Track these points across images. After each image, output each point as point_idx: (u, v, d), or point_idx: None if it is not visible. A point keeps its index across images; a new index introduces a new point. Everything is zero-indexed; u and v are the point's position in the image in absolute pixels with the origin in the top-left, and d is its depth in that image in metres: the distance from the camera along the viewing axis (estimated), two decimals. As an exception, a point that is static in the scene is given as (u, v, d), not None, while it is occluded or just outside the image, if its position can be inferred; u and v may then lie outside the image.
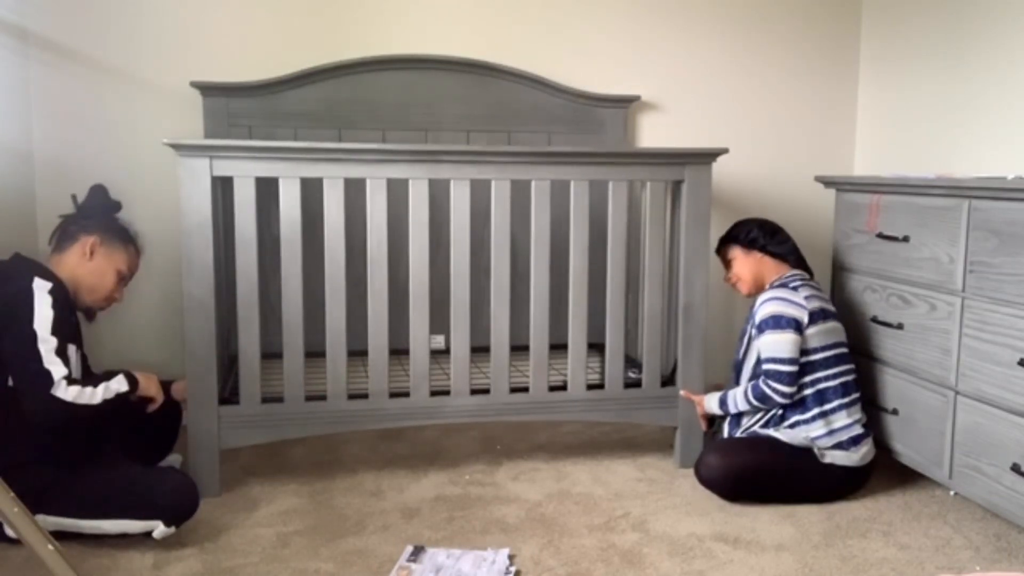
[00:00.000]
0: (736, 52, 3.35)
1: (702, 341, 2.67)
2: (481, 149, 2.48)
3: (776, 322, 2.46)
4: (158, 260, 2.92)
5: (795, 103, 3.43)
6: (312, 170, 2.39)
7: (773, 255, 2.64)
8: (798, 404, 2.48)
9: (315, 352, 2.63)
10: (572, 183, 2.55)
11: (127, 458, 2.28)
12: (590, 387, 2.65)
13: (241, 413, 2.43)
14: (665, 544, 2.19)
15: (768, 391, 2.45)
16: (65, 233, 2.31)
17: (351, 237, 2.67)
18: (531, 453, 2.85)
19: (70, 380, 2.09)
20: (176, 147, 2.30)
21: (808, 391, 2.47)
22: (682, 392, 2.66)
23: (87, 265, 2.28)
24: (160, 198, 2.92)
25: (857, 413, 2.50)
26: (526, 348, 2.63)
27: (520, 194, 2.60)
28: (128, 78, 2.91)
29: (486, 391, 2.59)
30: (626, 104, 3.19)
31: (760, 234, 2.65)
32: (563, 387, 2.64)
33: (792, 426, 2.47)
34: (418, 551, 2.11)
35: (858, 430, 2.48)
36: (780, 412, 2.49)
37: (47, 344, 2.08)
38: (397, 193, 2.54)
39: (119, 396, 2.20)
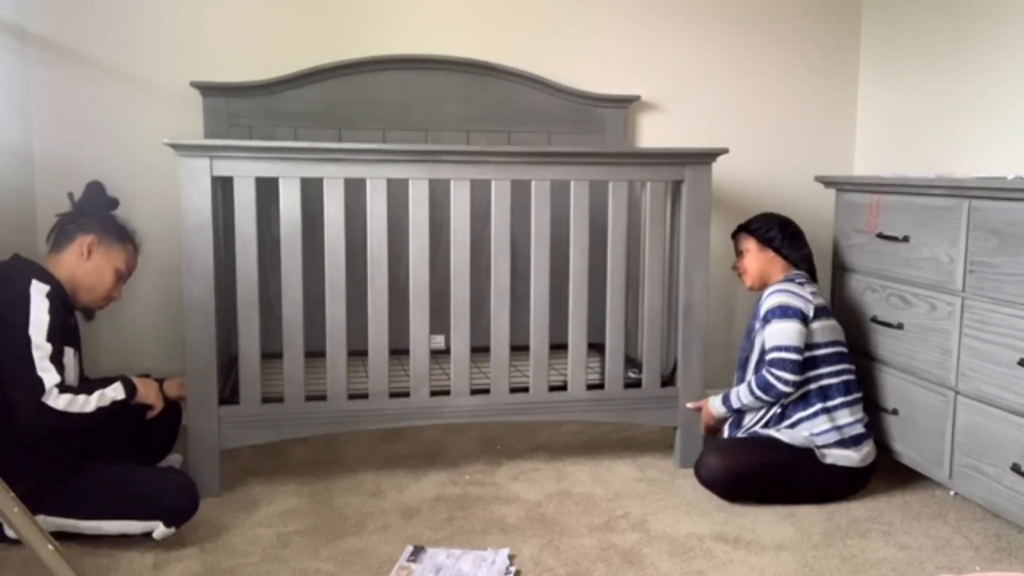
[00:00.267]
0: (736, 52, 3.35)
1: (702, 341, 2.67)
2: (481, 149, 2.48)
3: (783, 311, 2.47)
4: (158, 260, 2.92)
5: (795, 103, 3.43)
6: (312, 170, 2.39)
7: (786, 258, 2.64)
8: (800, 400, 2.47)
9: (315, 352, 2.63)
10: (572, 183, 2.55)
11: (127, 458, 2.28)
12: (590, 387, 2.65)
13: (241, 413, 2.43)
14: (665, 544, 2.19)
15: (772, 379, 2.44)
16: (62, 232, 2.29)
17: (351, 237, 2.67)
18: (531, 453, 2.85)
19: (63, 388, 2.06)
20: (176, 147, 2.30)
21: (811, 386, 2.47)
22: (689, 404, 2.66)
23: (85, 265, 2.26)
24: (160, 198, 2.92)
25: (859, 412, 2.50)
26: (526, 348, 2.63)
27: (520, 194, 2.60)
28: (128, 78, 2.91)
29: (486, 391, 2.59)
30: (626, 104, 3.19)
31: (779, 235, 2.64)
32: (563, 387, 2.64)
33: (794, 424, 2.47)
34: (418, 551, 2.11)
35: (860, 429, 2.48)
36: (780, 411, 2.49)
37: (41, 351, 2.05)
38: (397, 193, 2.54)
39: (115, 404, 2.17)
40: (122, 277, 2.37)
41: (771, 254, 2.65)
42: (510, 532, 2.24)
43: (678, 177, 2.61)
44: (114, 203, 2.40)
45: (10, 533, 2.00)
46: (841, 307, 2.77)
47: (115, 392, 2.18)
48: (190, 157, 2.31)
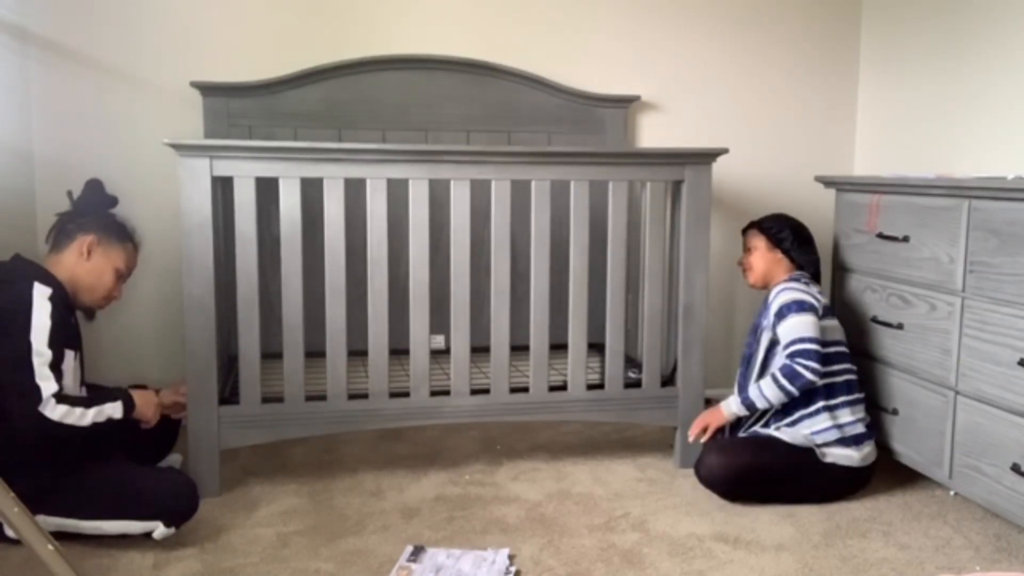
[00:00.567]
0: (736, 52, 3.35)
1: (702, 341, 2.67)
2: (481, 149, 2.48)
3: (800, 306, 2.47)
4: (158, 260, 2.92)
5: (795, 103, 3.43)
6: (312, 170, 2.39)
7: (793, 261, 2.64)
8: (803, 397, 2.47)
9: (315, 352, 2.63)
10: (572, 183, 2.55)
11: (127, 458, 2.28)
12: (590, 387, 2.65)
13: (241, 413, 2.43)
14: (665, 544, 2.19)
15: (799, 368, 2.41)
16: (62, 232, 2.28)
17: (351, 237, 2.67)
18: (531, 453, 2.85)
19: (60, 398, 2.04)
20: (176, 147, 2.30)
21: (817, 383, 2.46)
22: (690, 436, 2.54)
23: (85, 265, 2.25)
24: (160, 198, 2.92)
25: (861, 412, 2.50)
26: (526, 348, 2.63)
27: (520, 194, 2.60)
28: (128, 78, 2.91)
29: (486, 391, 2.59)
30: (626, 104, 3.19)
31: (791, 238, 2.64)
32: (563, 387, 2.64)
33: (795, 422, 2.46)
34: (418, 551, 2.11)
35: (861, 428, 2.48)
36: (782, 407, 2.49)
37: (41, 357, 2.04)
38: (397, 193, 2.54)
39: (110, 420, 2.15)
40: (122, 277, 2.36)
41: (779, 255, 2.65)
42: (510, 532, 2.24)
43: (678, 177, 2.61)
44: (113, 201, 2.39)
45: (10, 533, 2.00)
46: (841, 307, 2.77)
47: (113, 410, 2.15)
48: (190, 157, 2.31)
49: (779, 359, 2.50)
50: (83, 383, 2.29)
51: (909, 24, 3.17)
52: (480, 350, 2.66)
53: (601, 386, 2.66)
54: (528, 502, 2.44)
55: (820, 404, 2.46)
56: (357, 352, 2.65)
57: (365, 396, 2.51)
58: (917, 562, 2.11)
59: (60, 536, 2.02)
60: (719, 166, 2.77)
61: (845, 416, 2.47)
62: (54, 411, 2.03)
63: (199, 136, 2.90)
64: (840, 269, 2.82)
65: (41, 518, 2.03)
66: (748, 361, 2.61)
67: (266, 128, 2.93)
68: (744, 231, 2.76)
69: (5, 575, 1.98)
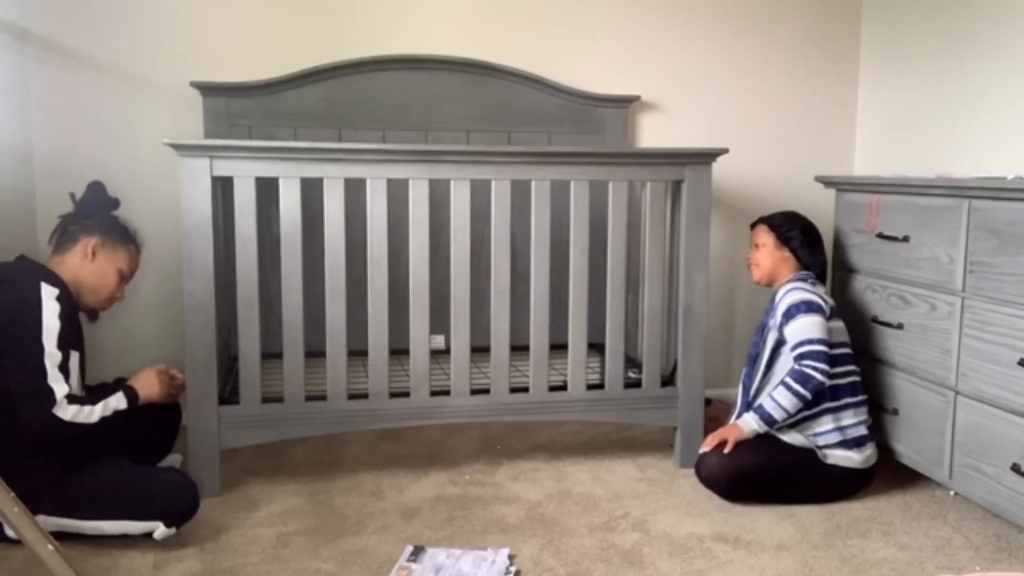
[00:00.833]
0: (736, 52, 3.35)
1: (702, 341, 2.67)
2: (481, 149, 2.48)
3: (808, 307, 2.46)
4: (158, 260, 2.92)
5: (795, 103, 3.43)
6: (312, 170, 2.39)
7: (800, 260, 2.64)
8: None
9: (315, 352, 2.63)
10: (572, 183, 2.55)
11: (127, 458, 2.28)
12: (590, 387, 2.65)
13: (241, 413, 2.43)
14: (665, 544, 2.19)
15: (809, 371, 2.40)
16: (65, 234, 2.29)
17: (351, 237, 2.67)
18: (531, 453, 2.85)
19: (71, 399, 2.07)
20: (176, 147, 2.30)
21: (825, 385, 2.46)
22: (704, 449, 2.47)
23: (89, 266, 2.26)
24: (160, 198, 2.92)
25: (863, 414, 2.50)
26: (526, 348, 2.63)
27: (520, 194, 2.60)
28: (128, 78, 2.91)
29: (486, 391, 2.59)
30: (626, 104, 3.19)
31: (799, 238, 2.63)
32: (563, 387, 2.64)
33: (797, 423, 2.46)
34: (418, 551, 2.11)
35: (863, 431, 2.48)
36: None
37: (52, 359, 2.06)
38: (397, 193, 2.54)
39: (117, 413, 2.18)
40: (125, 278, 2.37)
41: (786, 254, 2.64)
42: (510, 532, 2.24)
43: (678, 177, 2.61)
44: (115, 203, 2.40)
45: (10, 533, 2.00)
46: (841, 307, 2.77)
47: (117, 402, 2.18)
48: (190, 157, 2.31)
49: (785, 360, 2.49)
50: (83, 385, 2.29)
51: (909, 24, 3.17)
52: (480, 350, 2.66)
53: (601, 386, 2.66)
54: (528, 502, 2.44)
55: (824, 406, 2.46)
56: (357, 352, 2.64)
57: (365, 396, 2.51)
58: (917, 562, 2.11)
59: (60, 536, 2.02)
60: (719, 166, 2.77)
61: (848, 418, 2.46)
62: (66, 412, 2.05)
63: (199, 136, 2.90)
64: (840, 269, 2.82)
65: (41, 518, 2.04)
66: (754, 360, 2.60)
67: (266, 128, 2.93)
68: (753, 226, 2.75)
69: (5, 575, 1.98)
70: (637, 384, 2.68)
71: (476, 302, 2.69)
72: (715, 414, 2.94)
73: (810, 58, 3.42)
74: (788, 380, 2.42)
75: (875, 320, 2.62)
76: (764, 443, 2.46)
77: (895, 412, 2.55)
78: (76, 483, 2.10)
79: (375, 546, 2.15)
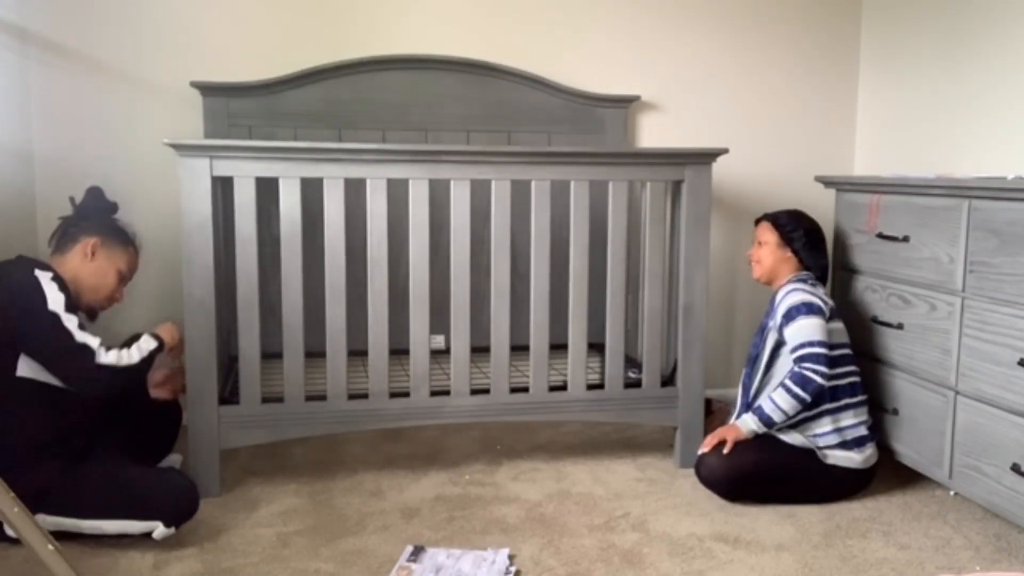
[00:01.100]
0: (736, 52, 3.35)
1: (702, 341, 2.67)
2: (481, 149, 2.48)
3: (808, 308, 2.46)
4: (158, 260, 2.92)
5: (795, 103, 3.43)
6: (312, 170, 2.39)
7: (802, 261, 2.63)
8: None
9: (315, 352, 2.63)
10: (572, 183, 2.55)
11: (127, 458, 2.28)
12: (590, 387, 2.65)
13: (241, 413, 2.43)
14: (665, 544, 2.19)
15: (808, 373, 2.40)
16: (65, 235, 2.31)
17: (351, 237, 2.67)
18: (531, 453, 2.85)
19: (106, 347, 2.16)
20: (176, 147, 2.30)
21: (825, 387, 2.45)
22: (703, 450, 2.47)
23: (89, 266, 2.28)
24: (160, 198, 2.93)
25: (863, 415, 2.50)
26: (526, 348, 2.63)
27: (520, 194, 2.60)
28: (128, 78, 2.91)
29: (486, 391, 2.59)
30: (626, 104, 3.19)
31: (803, 239, 2.62)
32: (563, 387, 2.64)
33: (797, 424, 2.46)
34: (418, 551, 2.11)
35: (863, 431, 2.47)
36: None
37: (71, 322, 2.13)
38: (397, 193, 2.55)
39: (152, 354, 2.27)
40: (124, 278, 2.39)
41: (788, 254, 2.63)
42: (510, 532, 2.24)
43: (678, 177, 2.61)
44: (114, 207, 2.43)
45: (10, 532, 2.00)
46: (842, 307, 2.77)
47: (147, 343, 2.28)
48: (190, 157, 2.31)
49: (784, 361, 2.49)
50: None
51: (909, 24, 3.17)
52: (480, 350, 2.66)
53: (601, 386, 2.66)
54: (528, 502, 2.44)
55: (823, 407, 2.45)
56: (357, 352, 2.65)
57: (365, 396, 2.51)
58: (917, 562, 2.11)
59: (60, 536, 2.02)
60: (719, 166, 2.77)
61: (847, 419, 2.46)
62: (108, 357, 2.15)
63: (199, 136, 2.90)
64: (840, 269, 2.82)
65: (41, 517, 2.04)
66: (753, 361, 2.60)
67: (266, 128, 2.93)
68: (757, 222, 2.73)
69: (5, 575, 1.98)
70: (637, 384, 2.68)
71: (476, 302, 2.69)
72: (718, 409, 2.95)
73: (810, 58, 3.42)
74: (787, 382, 2.42)
75: (875, 320, 2.62)
76: (764, 443, 2.46)
77: (895, 412, 2.55)
78: (77, 483, 2.10)
79: (375, 546, 2.15)
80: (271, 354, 2.64)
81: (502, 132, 3.10)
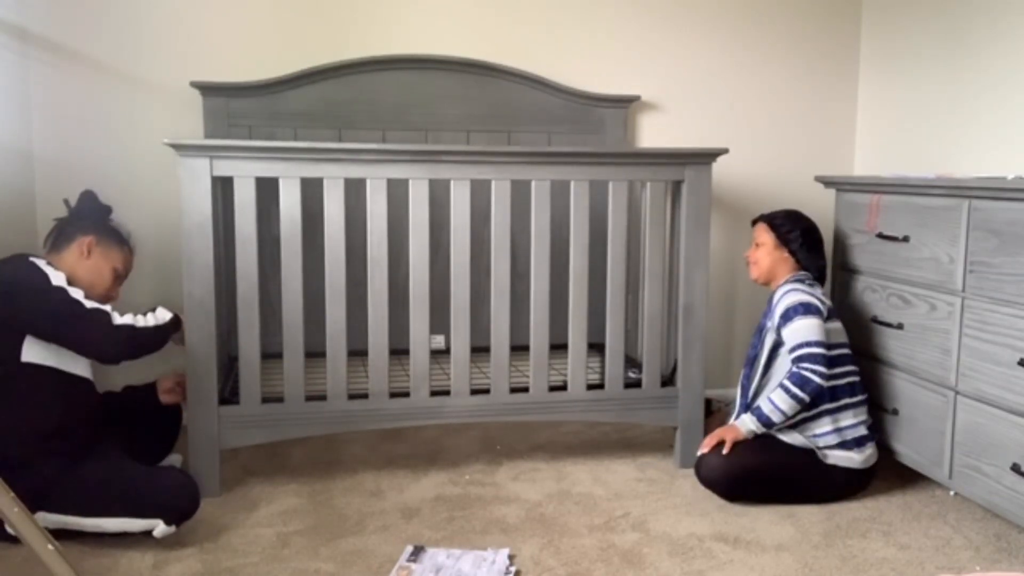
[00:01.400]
0: (736, 52, 3.35)
1: (702, 341, 2.67)
2: (481, 149, 2.48)
3: (806, 309, 2.46)
4: (158, 260, 2.92)
5: (795, 103, 3.43)
6: (312, 170, 2.39)
7: (799, 262, 2.63)
8: None
9: (315, 352, 2.63)
10: (572, 183, 2.55)
11: (128, 457, 2.28)
12: (590, 387, 2.65)
13: (241, 413, 2.43)
14: (665, 544, 2.19)
15: (807, 374, 2.40)
16: (61, 234, 2.33)
17: (351, 237, 2.67)
18: (531, 453, 2.85)
19: (120, 314, 2.21)
20: (176, 147, 2.30)
21: (824, 387, 2.45)
22: (703, 450, 2.47)
23: (85, 264, 2.29)
24: (160, 198, 2.93)
25: (863, 415, 2.50)
26: (526, 348, 2.63)
27: (520, 194, 2.60)
28: (128, 78, 2.91)
29: (486, 391, 2.59)
30: (626, 104, 3.19)
31: (799, 240, 2.61)
32: (563, 387, 2.64)
33: (797, 424, 2.46)
34: (418, 551, 2.11)
35: (863, 431, 2.47)
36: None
37: (77, 293, 2.17)
38: (397, 193, 2.55)
39: (168, 324, 2.31)
40: (119, 277, 2.40)
41: (785, 254, 2.63)
42: (510, 532, 2.24)
43: (678, 177, 2.61)
44: (108, 210, 2.45)
45: (11, 530, 2.01)
46: (841, 307, 2.77)
47: (163, 313, 2.33)
48: (190, 157, 2.31)
49: (783, 362, 2.49)
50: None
51: (909, 24, 3.17)
52: (480, 350, 2.66)
53: (601, 386, 2.66)
54: (528, 502, 2.44)
55: (823, 407, 2.45)
56: (357, 352, 2.65)
57: (365, 396, 2.51)
58: (917, 562, 2.11)
59: (60, 534, 2.03)
60: (719, 166, 2.77)
61: (847, 419, 2.46)
62: (123, 319, 2.19)
63: (199, 136, 2.90)
64: (840, 269, 2.82)
65: (42, 515, 2.04)
66: (752, 362, 2.60)
67: (266, 128, 2.93)
68: (754, 223, 2.73)
69: (5, 575, 1.98)
70: (637, 384, 2.68)
71: (476, 302, 2.69)
72: (717, 409, 2.95)
73: (810, 58, 3.42)
74: (786, 383, 2.42)
75: (875, 320, 2.62)
76: (764, 443, 2.46)
77: (895, 412, 2.55)
78: (77, 481, 2.10)
79: (375, 546, 2.15)
80: (271, 354, 2.64)
81: (502, 132, 3.10)
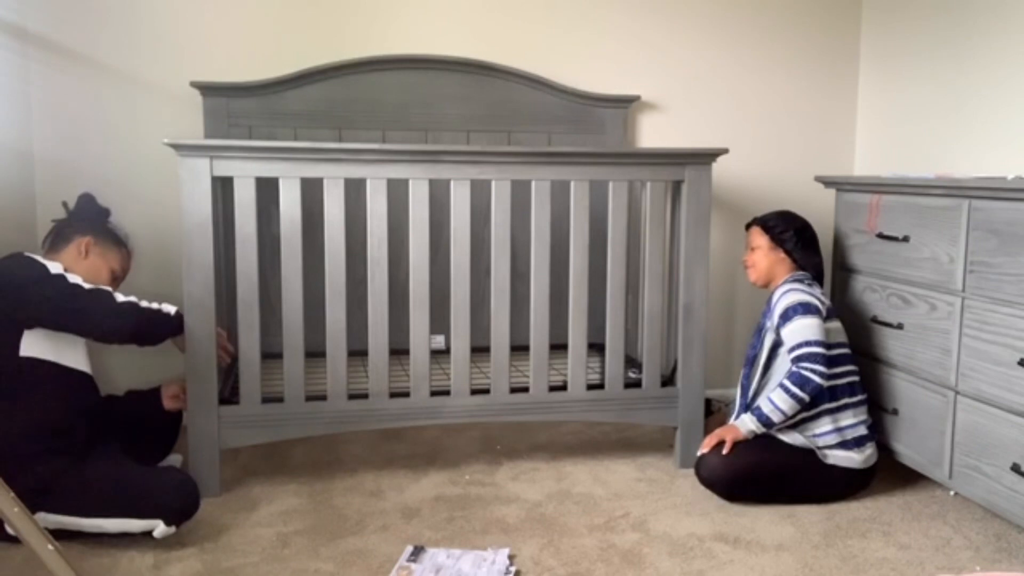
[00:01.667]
0: (736, 52, 3.35)
1: (702, 341, 2.67)
2: (481, 149, 2.48)
3: (805, 308, 2.46)
4: (158, 260, 2.92)
5: (795, 103, 3.43)
6: (312, 170, 2.39)
7: (795, 261, 2.63)
8: None
9: (315, 352, 2.63)
10: (572, 183, 2.55)
11: (128, 457, 2.29)
12: (590, 387, 2.65)
13: (241, 413, 2.43)
14: (665, 544, 2.19)
15: (807, 373, 2.40)
16: (60, 235, 2.34)
17: (351, 237, 2.67)
18: (531, 453, 2.85)
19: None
20: (176, 147, 2.30)
21: (824, 387, 2.45)
22: (703, 450, 2.47)
23: (82, 263, 2.30)
24: (160, 198, 2.93)
25: (863, 414, 2.50)
26: (526, 348, 2.63)
27: (520, 194, 2.60)
28: (128, 78, 2.91)
29: (486, 391, 2.59)
30: (626, 104, 3.19)
31: (794, 239, 2.61)
32: (563, 387, 2.64)
33: (797, 424, 2.46)
34: (418, 551, 2.11)
35: (863, 431, 2.47)
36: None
37: (77, 278, 2.18)
38: (397, 193, 2.55)
39: (169, 317, 2.30)
40: (117, 278, 2.41)
41: (781, 255, 2.63)
42: (510, 532, 2.24)
43: (678, 177, 2.61)
44: (106, 212, 2.46)
45: (11, 530, 2.01)
46: (841, 307, 2.77)
47: (167, 307, 2.32)
48: (190, 157, 2.31)
49: (783, 362, 2.49)
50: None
51: (909, 24, 3.17)
52: (480, 350, 2.66)
53: (601, 386, 2.66)
54: (528, 502, 2.44)
55: (823, 407, 2.45)
56: (357, 352, 2.65)
57: (365, 396, 2.51)
58: (917, 562, 2.11)
59: (60, 534, 2.02)
60: (719, 166, 2.77)
61: (847, 419, 2.46)
62: (128, 299, 2.21)
63: (199, 136, 2.90)
64: (840, 269, 2.82)
65: (42, 515, 2.04)
66: (752, 362, 2.60)
67: (266, 128, 2.93)
68: (747, 227, 2.74)
69: (5, 575, 1.98)
70: (637, 384, 2.68)
71: (476, 302, 2.69)
72: (717, 409, 2.94)
73: (810, 58, 3.42)
74: (786, 383, 2.42)
75: (875, 320, 2.62)
76: (764, 443, 2.46)
77: (895, 412, 2.55)
78: (77, 481, 2.10)
79: (375, 546, 2.15)
80: (271, 354, 2.64)
81: (502, 132, 3.10)
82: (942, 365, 2.36)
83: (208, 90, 2.88)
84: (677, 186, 2.66)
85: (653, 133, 3.31)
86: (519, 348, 2.68)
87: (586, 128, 3.16)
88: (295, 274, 2.42)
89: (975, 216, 2.23)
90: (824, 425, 2.45)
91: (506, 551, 2.11)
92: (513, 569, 2.03)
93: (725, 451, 2.41)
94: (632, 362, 2.88)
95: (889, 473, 2.62)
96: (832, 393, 2.46)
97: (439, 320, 2.70)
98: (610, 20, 3.24)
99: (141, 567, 2.03)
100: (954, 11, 2.95)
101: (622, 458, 2.81)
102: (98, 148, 2.90)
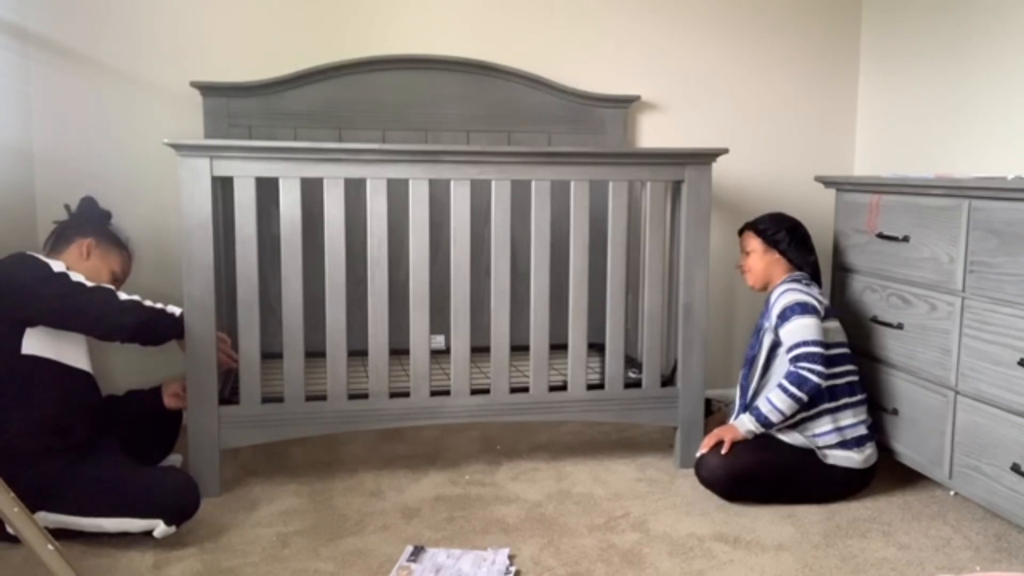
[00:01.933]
0: (736, 52, 3.35)
1: (702, 341, 2.67)
2: (481, 149, 2.48)
3: (803, 308, 2.46)
4: (157, 260, 2.92)
5: (795, 103, 3.43)
6: (312, 170, 2.39)
7: (791, 261, 2.63)
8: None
9: (315, 352, 2.63)
10: (572, 183, 2.55)
11: (128, 457, 2.29)
12: (590, 387, 2.65)
13: (241, 413, 2.43)
14: (665, 544, 2.19)
15: (805, 373, 2.40)
16: (61, 237, 2.34)
17: (351, 237, 2.67)
18: (531, 453, 2.85)
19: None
20: (176, 147, 2.30)
21: (822, 386, 2.45)
22: (702, 451, 2.48)
23: (84, 265, 2.30)
24: (160, 198, 2.93)
25: (863, 414, 2.50)
26: (526, 348, 2.63)
27: (520, 194, 2.60)
28: (128, 78, 2.91)
29: (486, 391, 2.59)
30: (626, 104, 3.19)
31: (787, 239, 2.62)
32: (563, 387, 2.64)
33: (796, 424, 2.46)
34: (418, 551, 2.11)
35: (863, 430, 2.47)
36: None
37: (79, 276, 2.18)
38: (397, 193, 2.55)
39: (172, 318, 2.31)
40: (118, 280, 2.42)
41: (776, 256, 2.64)
42: (510, 532, 2.24)
43: (678, 177, 2.61)
44: (108, 215, 2.46)
45: (11, 530, 2.01)
46: (841, 307, 2.77)
47: (173, 310, 2.33)
48: (190, 157, 2.31)
49: (782, 362, 2.49)
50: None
51: (909, 24, 3.17)
52: (480, 350, 2.66)
53: (601, 386, 2.66)
54: (528, 502, 2.44)
55: (822, 407, 2.45)
56: (357, 352, 2.65)
57: (365, 396, 2.51)
58: (917, 562, 2.11)
59: (60, 534, 2.03)
60: (719, 166, 2.77)
61: (847, 419, 2.46)
62: (128, 297, 2.20)
63: (199, 136, 2.90)
64: (840, 269, 2.82)
65: (42, 515, 2.04)
66: (751, 362, 2.60)
67: (266, 128, 2.93)
68: (740, 232, 2.75)
69: (5, 575, 1.98)
70: (637, 384, 2.68)
71: (476, 302, 2.69)
72: (717, 409, 2.94)
73: (810, 58, 3.42)
74: (784, 383, 2.42)
75: (875, 320, 2.62)
76: (764, 443, 2.46)
77: (895, 412, 2.55)
78: (78, 480, 2.10)
79: (375, 546, 2.15)
80: (271, 354, 2.64)
81: (502, 132, 3.10)
82: (942, 365, 2.36)
83: (208, 90, 2.88)
84: (677, 186, 2.66)
85: (653, 133, 3.31)
86: (519, 348, 2.68)
87: (586, 128, 3.16)
88: (295, 274, 2.42)
89: (975, 216, 2.23)
90: (824, 425, 2.45)
91: (506, 551, 2.11)
92: (513, 569, 2.03)
93: (724, 451, 2.41)
94: (632, 362, 2.88)
95: (889, 473, 2.62)
96: (832, 393, 2.46)
97: (439, 320, 2.70)
98: (610, 20, 3.24)
99: (141, 567, 2.03)
100: (954, 11, 2.95)
101: (622, 458, 2.81)
102: (98, 148, 2.90)
